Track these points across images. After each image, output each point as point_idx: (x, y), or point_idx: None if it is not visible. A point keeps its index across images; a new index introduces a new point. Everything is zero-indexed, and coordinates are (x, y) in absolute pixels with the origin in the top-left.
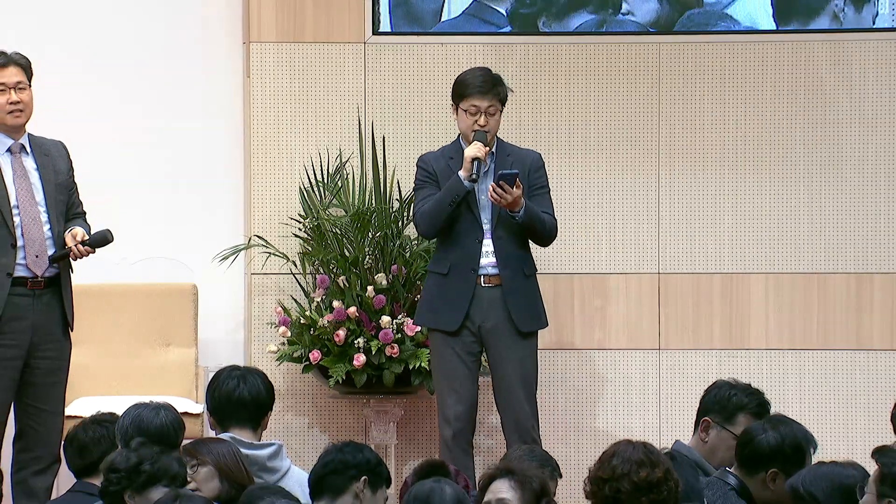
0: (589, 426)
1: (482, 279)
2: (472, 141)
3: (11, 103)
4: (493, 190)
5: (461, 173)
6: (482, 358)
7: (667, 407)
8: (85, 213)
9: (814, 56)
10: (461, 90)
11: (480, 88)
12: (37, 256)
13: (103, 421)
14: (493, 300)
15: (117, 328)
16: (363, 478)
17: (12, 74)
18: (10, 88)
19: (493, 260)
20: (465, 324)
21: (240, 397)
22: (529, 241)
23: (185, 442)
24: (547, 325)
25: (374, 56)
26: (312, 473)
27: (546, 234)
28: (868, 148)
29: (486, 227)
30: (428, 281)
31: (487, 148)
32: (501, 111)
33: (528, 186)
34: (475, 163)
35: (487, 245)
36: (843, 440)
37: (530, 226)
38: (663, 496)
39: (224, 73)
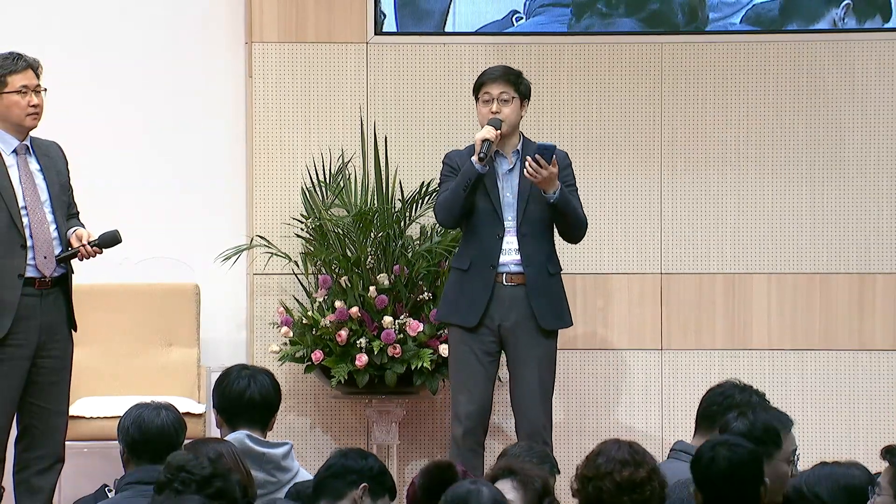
0: (591, 426)
1: (504, 277)
2: (485, 126)
3: (32, 106)
4: (529, 164)
5: (472, 157)
6: (500, 359)
7: (669, 407)
8: (78, 213)
9: (816, 56)
10: (478, 81)
11: (491, 75)
12: (45, 257)
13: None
14: (515, 298)
15: (119, 328)
16: (363, 484)
17: (32, 77)
18: (31, 91)
19: (517, 258)
20: (485, 322)
21: (251, 397)
22: (554, 240)
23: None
24: (571, 324)
25: (376, 56)
26: (315, 476)
27: (578, 227)
28: (871, 148)
29: (509, 224)
30: (450, 277)
31: (498, 131)
32: (522, 103)
33: None
34: (485, 143)
35: (510, 242)
36: (845, 440)
37: (563, 212)
38: (646, 496)
39: (226, 74)
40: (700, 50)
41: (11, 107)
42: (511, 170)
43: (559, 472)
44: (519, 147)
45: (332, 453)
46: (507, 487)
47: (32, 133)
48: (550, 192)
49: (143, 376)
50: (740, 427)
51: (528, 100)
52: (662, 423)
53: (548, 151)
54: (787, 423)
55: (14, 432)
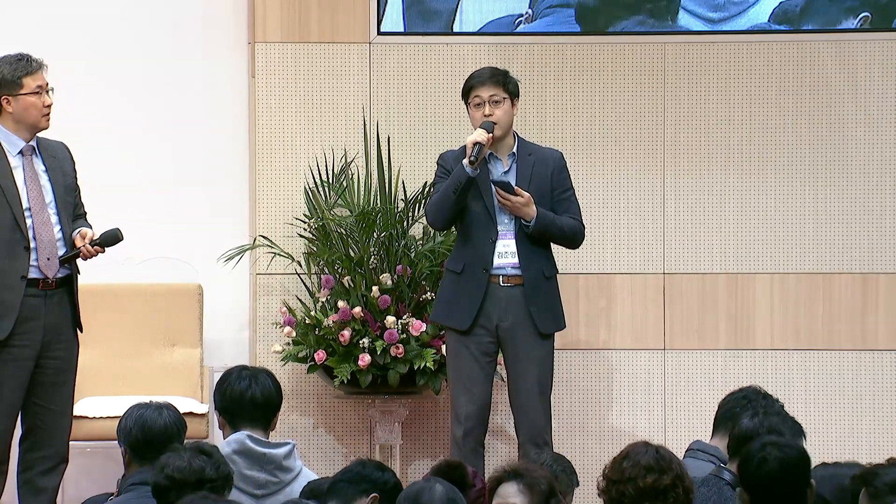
0: (594, 426)
1: (501, 279)
2: (477, 129)
3: (46, 106)
4: (498, 197)
5: (463, 160)
6: (497, 359)
7: (672, 407)
8: (86, 213)
9: (819, 56)
10: (466, 86)
11: (480, 78)
12: (48, 259)
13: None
14: (512, 300)
15: (122, 328)
16: (373, 495)
17: (42, 77)
18: (45, 91)
19: (514, 261)
20: (482, 323)
21: (252, 397)
22: (551, 243)
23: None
24: (565, 326)
25: (379, 56)
26: (332, 478)
27: (568, 240)
28: (873, 147)
29: (505, 227)
30: (444, 278)
31: (490, 135)
32: (513, 104)
33: (551, 189)
34: (476, 146)
35: (507, 245)
36: (848, 440)
37: (545, 234)
38: (669, 503)
39: (229, 74)
40: (703, 50)
41: (29, 108)
42: (506, 172)
43: (578, 485)
44: (514, 149)
45: (352, 461)
46: (512, 490)
47: (39, 133)
48: (527, 221)
49: (146, 376)
50: (749, 424)
51: (518, 98)
52: (665, 423)
53: (504, 186)
54: (799, 432)
55: (18, 432)
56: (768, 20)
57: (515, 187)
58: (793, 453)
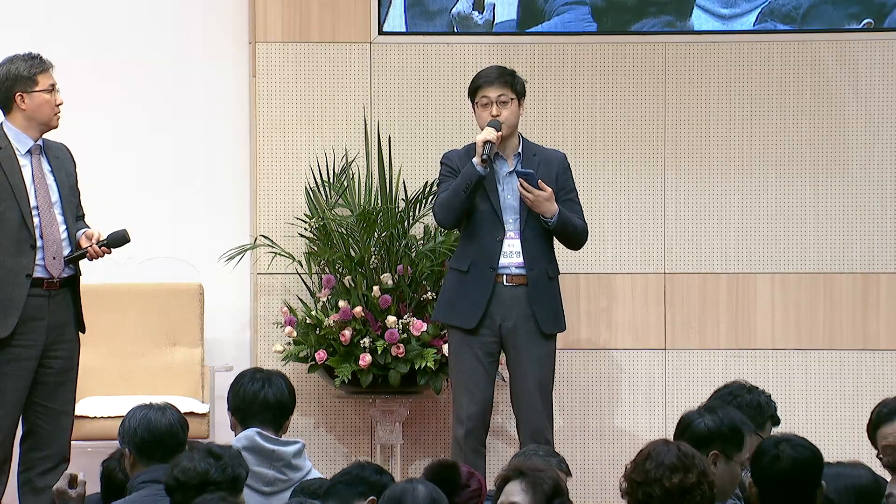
0: (595, 426)
1: (505, 278)
2: (486, 128)
3: (58, 105)
4: (521, 190)
5: (474, 159)
6: (500, 359)
7: (673, 407)
8: (84, 215)
9: (820, 56)
10: (473, 85)
11: (488, 78)
12: (54, 258)
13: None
14: (515, 300)
15: (123, 328)
16: (371, 497)
17: (53, 77)
18: (55, 91)
19: (520, 260)
20: (485, 323)
21: (265, 399)
22: (554, 243)
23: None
24: (565, 328)
25: (379, 56)
26: (330, 480)
27: (577, 239)
28: (874, 147)
29: (510, 227)
30: (448, 277)
31: (499, 133)
32: (519, 104)
33: (556, 190)
34: (486, 145)
35: (512, 245)
36: (849, 440)
37: (563, 231)
38: (696, 500)
39: (230, 73)
40: (703, 50)
41: (42, 105)
42: (511, 172)
43: (570, 475)
44: (519, 149)
45: (351, 463)
46: (515, 490)
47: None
48: (548, 217)
49: (148, 376)
50: (708, 423)
51: (524, 98)
52: (666, 423)
53: (529, 178)
54: (749, 427)
55: (19, 432)
56: (754, 23)
57: (539, 181)
58: (806, 453)
